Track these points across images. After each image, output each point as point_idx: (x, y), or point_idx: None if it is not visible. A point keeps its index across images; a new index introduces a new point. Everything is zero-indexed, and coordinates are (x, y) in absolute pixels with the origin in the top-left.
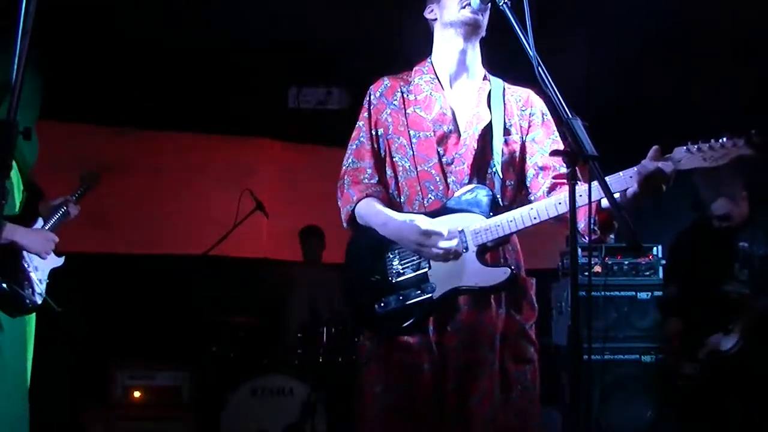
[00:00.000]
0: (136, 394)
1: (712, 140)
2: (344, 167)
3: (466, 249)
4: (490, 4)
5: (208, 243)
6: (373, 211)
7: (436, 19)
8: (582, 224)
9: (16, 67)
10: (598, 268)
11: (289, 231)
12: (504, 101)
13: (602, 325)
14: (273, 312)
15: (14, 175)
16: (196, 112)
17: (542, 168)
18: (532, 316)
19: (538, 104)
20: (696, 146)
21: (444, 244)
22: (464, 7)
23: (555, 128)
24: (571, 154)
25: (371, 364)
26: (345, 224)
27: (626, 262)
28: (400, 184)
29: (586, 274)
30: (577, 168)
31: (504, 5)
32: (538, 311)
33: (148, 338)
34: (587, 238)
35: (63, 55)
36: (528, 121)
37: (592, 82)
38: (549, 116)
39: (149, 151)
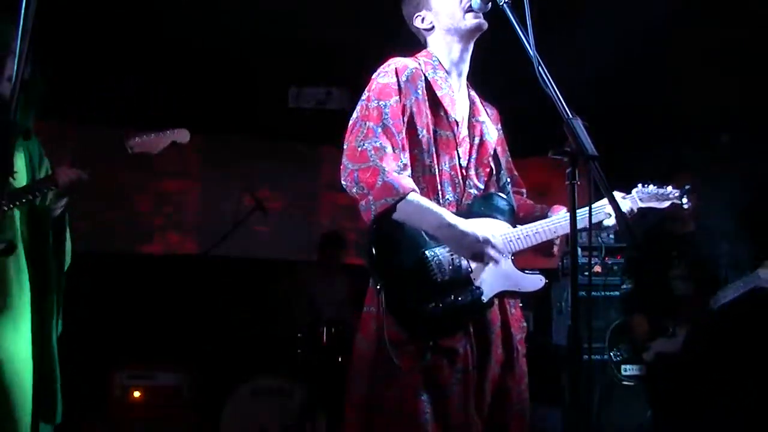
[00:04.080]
0: (136, 394)
1: (655, 187)
2: (362, 148)
3: (504, 256)
4: (490, 4)
5: (208, 243)
6: (427, 209)
7: (431, 28)
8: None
9: (15, 67)
10: (598, 268)
11: (289, 231)
12: (486, 113)
13: (602, 325)
14: (273, 312)
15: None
16: (195, 112)
17: None
18: (520, 315)
19: (499, 123)
20: (648, 190)
21: (499, 256)
22: (468, 11)
23: (506, 147)
24: (572, 154)
25: (408, 371)
26: (374, 215)
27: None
28: (416, 179)
29: (586, 274)
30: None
31: (504, 5)
32: (539, 311)
33: (147, 338)
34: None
35: (65, 54)
36: (498, 136)
37: (591, 81)
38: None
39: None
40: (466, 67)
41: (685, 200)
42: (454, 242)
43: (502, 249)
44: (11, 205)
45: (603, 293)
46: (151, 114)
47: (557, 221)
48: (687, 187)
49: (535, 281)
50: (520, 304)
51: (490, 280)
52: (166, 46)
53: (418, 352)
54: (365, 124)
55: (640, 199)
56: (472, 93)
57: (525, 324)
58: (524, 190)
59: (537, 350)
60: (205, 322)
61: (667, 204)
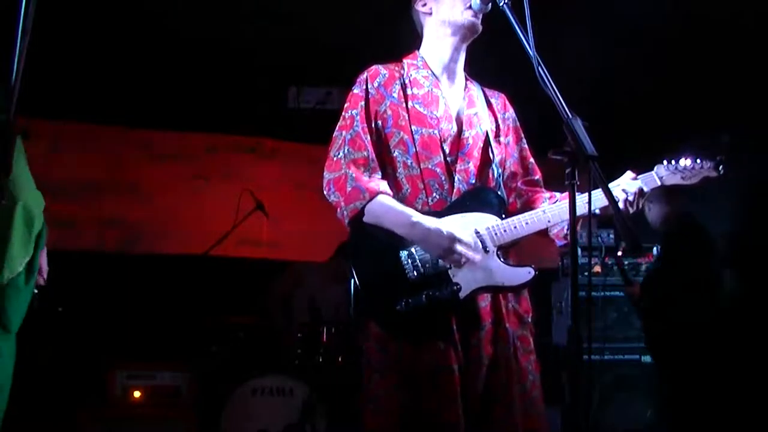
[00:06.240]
0: (136, 394)
1: (687, 160)
2: (337, 158)
3: (488, 250)
4: (490, 5)
5: (208, 243)
6: (393, 210)
7: (429, 14)
8: (557, 229)
9: (15, 66)
10: (598, 268)
11: (289, 231)
12: (487, 103)
13: (602, 325)
14: (273, 312)
15: None
16: (196, 112)
17: (513, 172)
18: (529, 309)
19: (511, 109)
20: (675, 165)
21: (470, 254)
22: (467, 9)
23: (522, 134)
24: (571, 153)
25: (387, 370)
26: (348, 220)
27: (626, 262)
28: (399, 180)
29: (586, 274)
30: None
31: (504, 5)
32: (538, 311)
33: (147, 338)
34: (561, 242)
35: (66, 54)
36: (506, 124)
37: (591, 81)
38: (518, 122)
39: (149, 151)
40: (460, 65)
41: (720, 170)
42: (421, 240)
43: (473, 244)
44: None
45: (603, 293)
46: (151, 114)
47: (551, 209)
48: (719, 158)
49: (520, 275)
50: (527, 297)
51: (470, 275)
52: (165, 46)
53: (395, 349)
54: (340, 134)
55: (661, 178)
56: (471, 85)
57: (529, 319)
58: (537, 178)
59: (537, 350)
60: (205, 322)
61: (695, 180)
